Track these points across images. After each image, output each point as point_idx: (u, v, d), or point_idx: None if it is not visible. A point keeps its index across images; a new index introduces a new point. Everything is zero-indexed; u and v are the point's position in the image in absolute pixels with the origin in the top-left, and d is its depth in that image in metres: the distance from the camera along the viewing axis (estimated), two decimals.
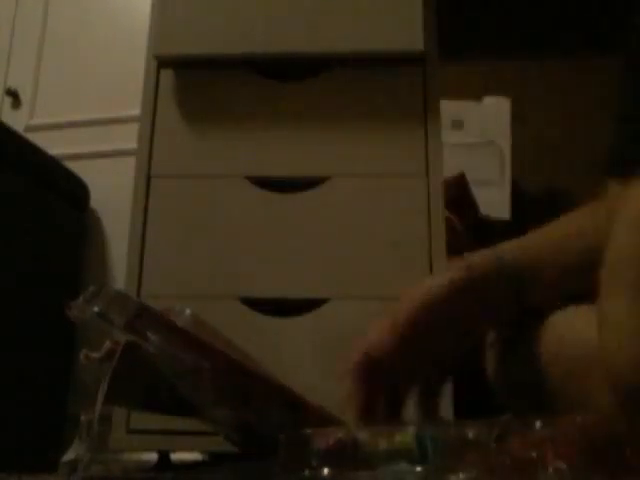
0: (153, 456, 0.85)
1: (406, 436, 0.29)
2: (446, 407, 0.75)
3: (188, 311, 0.49)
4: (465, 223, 1.28)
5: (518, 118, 1.53)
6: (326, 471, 0.29)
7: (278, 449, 0.32)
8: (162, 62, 0.91)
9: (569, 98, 1.67)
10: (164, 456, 0.85)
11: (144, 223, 0.86)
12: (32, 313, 1.53)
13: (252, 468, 0.49)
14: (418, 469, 0.28)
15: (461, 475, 0.27)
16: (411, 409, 0.44)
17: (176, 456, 0.86)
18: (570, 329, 0.40)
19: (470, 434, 0.28)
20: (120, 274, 1.74)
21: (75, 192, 1.84)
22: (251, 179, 0.87)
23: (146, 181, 0.87)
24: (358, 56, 0.88)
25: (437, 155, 0.86)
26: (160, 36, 0.90)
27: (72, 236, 1.81)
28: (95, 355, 0.40)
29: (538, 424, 0.27)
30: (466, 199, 1.36)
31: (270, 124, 0.88)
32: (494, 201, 1.45)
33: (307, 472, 0.29)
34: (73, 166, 1.82)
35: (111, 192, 1.83)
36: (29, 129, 1.98)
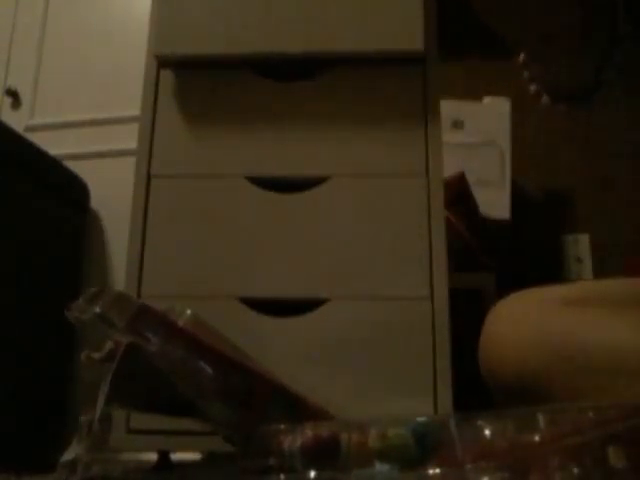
0: (153, 456, 0.85)
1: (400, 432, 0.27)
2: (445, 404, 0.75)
3: (188, 311, 0.49)
4: (465, 223, 1.28)
5: (518, 118, 1.53)
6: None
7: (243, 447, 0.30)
8: (162, 62, 0.92)
9: None
10: (164, 456, 0.85)
11: (144, 223, 0.86)
12: (32, 313, 1.53)
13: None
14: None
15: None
16: None
17: (176, 456, 0.86)
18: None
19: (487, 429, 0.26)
20: (120, 274, 1.74)
21: (75, 192, 1.84)
22: (251, 179, 0.87)
23: (146, 181, 0.87)
24: (358, 56, 0.88)
25: (437, 155, 0.86)
26: (160, 36, 0.90)
27: (72, 236, 1.81)
28: (96, 355, 0.40)
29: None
30: (466, 199, 1.36)
31: (270, 124, 0.88)
32: (494, 201, 1.45)
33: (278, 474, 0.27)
34: (73, 166, 1.82)
35: (111, 192, 1.84)
36: (29, 129, 1.98)
